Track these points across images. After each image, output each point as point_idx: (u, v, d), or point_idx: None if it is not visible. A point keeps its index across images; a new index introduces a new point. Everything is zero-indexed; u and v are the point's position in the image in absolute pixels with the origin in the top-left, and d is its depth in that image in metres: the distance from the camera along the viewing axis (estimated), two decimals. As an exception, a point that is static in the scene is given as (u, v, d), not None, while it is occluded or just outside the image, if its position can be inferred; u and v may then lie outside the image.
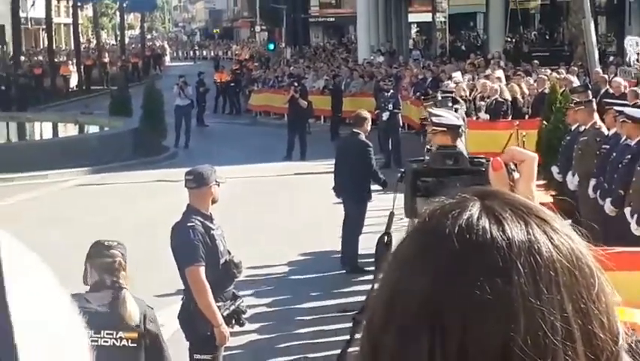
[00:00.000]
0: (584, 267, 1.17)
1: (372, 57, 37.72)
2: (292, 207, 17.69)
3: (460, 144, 10.27)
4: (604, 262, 1.23)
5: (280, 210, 17.34)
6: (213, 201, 7.28)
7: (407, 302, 1.14)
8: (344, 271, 13.02)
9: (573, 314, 1.13)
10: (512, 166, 1.75)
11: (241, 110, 37.82)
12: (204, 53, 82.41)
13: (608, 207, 11.08)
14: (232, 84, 38.55)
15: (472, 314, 1.12)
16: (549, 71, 24.13)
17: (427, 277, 1.14)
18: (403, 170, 2.12)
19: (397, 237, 1.30)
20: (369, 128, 13.56)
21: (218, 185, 7.28)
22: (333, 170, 13.95)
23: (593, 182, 12.00)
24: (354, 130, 13.59)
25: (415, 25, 60.56)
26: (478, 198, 1.21)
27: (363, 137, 13.33)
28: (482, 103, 20.83)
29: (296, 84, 26.47)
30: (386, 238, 2.05)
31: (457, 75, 25.09)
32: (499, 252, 1.14)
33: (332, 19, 69.58)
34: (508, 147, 16.53)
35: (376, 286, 1.25)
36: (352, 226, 13.16)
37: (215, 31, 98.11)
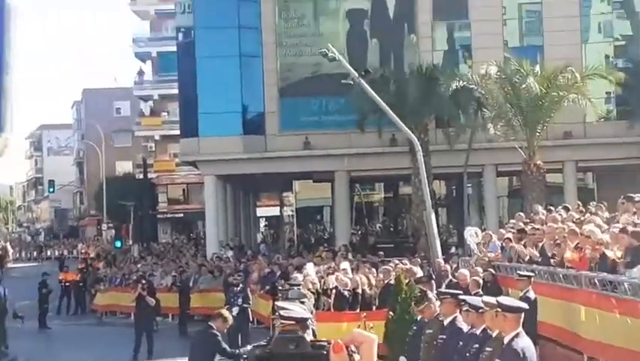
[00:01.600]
0: None
1: (221, 252, 37.72)
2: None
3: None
4: None
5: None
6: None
7: None
8: None
9: None
10: (353, 348, 1.70)
11: (86, 310, 36.90)
12: (49, 252, 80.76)
13: (458, 396, 11.08)
14: (80, 283, 37.83)
15: None
16: (394, 262, 24.58)
17: None
18: (245, 356, 2.03)
19: None
20: (224, 328, 13.62)
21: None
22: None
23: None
24: (209, 323, 13.64)
25: (264, 220, 61.34)
26: None
27: (215, 331, 13.37)
28: (326, 297, 20.94)
29: (143, 282, 26.06)
30: None
31: (309, 267, 25.23)
32: None
33: (180, 215, 69.75)
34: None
35: None
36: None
37: (60, 231, 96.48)
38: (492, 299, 10.80)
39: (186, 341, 24.02)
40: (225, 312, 14.11)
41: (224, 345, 13.78)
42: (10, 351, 25.71)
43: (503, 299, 10.84)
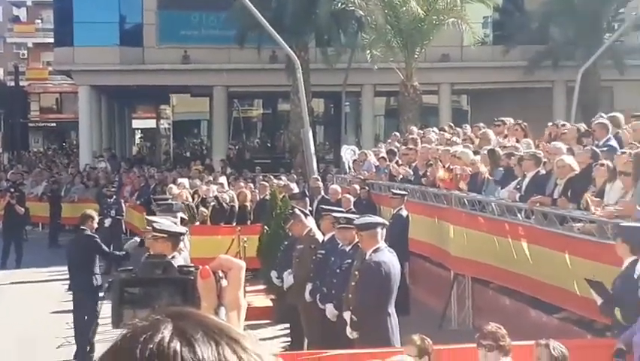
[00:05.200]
0: None
1: (96, 162, 37.18)
2: (7, 319, 16.76)
3: (185, 251, 10.25)
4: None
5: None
6: None
7: None
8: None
9: None
10: (221, 274, 1.72)
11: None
12: None
13: (330, 311, 11.31)
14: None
15: None
16: (270, 178, 24.73)
17: None
18: (110, 280, 2.03)
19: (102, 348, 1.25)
20: (95, 225, 13.82)
21: None
22: (55, 276, 13.79)
23: (309, 286, 12.25)
24: (82, 227, 13.84)
25: (140, 132, 60.55)
26: (171, 319, 1.22)
27: (89, 232, 13.59)
28: (204, 209, 20.94)
29: (12, 190, 25.55)
30: (88, 348, 1.95)
31: (184, 181, 25.11)
32: None
33: (53, 124, 68.17)
34: (231, 251, 16.70)
35: None
36: (87, 319, 12.88)
37: None
38: (350, 218, 11.36)
39: (56, 251, 23.79)
40: (90, 211, 14.34)
41: (104, 246, 13.97)
42: None
43: (356, 218, 11.23)
